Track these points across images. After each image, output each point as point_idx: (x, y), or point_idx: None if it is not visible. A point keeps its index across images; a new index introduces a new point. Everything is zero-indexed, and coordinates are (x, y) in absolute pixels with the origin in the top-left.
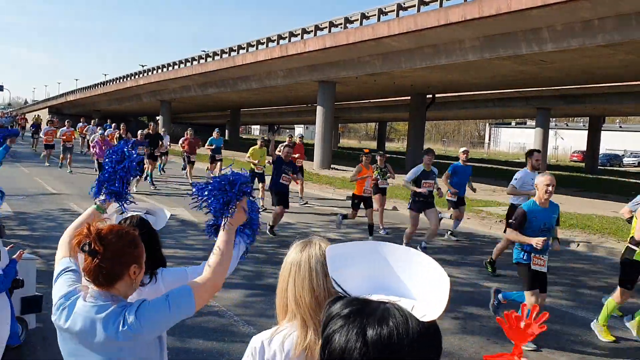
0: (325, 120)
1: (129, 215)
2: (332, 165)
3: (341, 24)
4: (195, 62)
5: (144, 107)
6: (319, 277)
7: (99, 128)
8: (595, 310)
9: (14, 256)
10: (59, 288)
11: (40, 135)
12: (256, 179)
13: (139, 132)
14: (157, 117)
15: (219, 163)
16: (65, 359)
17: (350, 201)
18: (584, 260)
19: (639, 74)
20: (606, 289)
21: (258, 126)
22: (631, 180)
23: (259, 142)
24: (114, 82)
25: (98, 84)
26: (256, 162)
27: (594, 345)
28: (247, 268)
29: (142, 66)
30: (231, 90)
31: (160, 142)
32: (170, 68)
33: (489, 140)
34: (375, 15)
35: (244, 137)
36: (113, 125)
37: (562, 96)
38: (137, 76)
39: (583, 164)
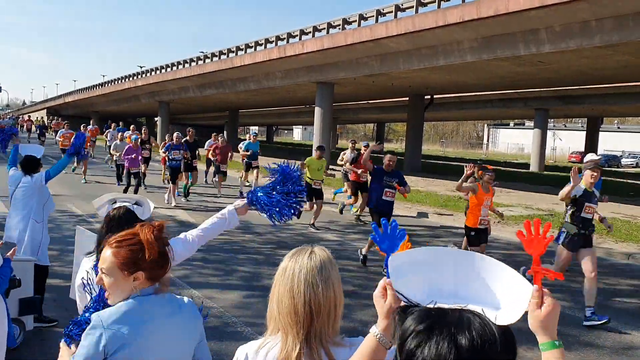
0: (323, 121)
1: (117, 205)
2: (330, 166)
3: (339, 25)
4: (193, 63)
5: (143, 108)
6: (300, 286)
7: (126, 134)
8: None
9: (8, 254)
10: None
11: (57, 138)
12: (313, 197)
13: (175, 134)
14: (156, 118)
15: (255, 171)
16: None
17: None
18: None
19: (636, 75)
20: (605, 289)
21: (256, 127)
22: (629, 180)
23: (316, 152)
24: (113, 83)
25: (96, 85)
26: (304, 170)
27: (594, 346)
28: (245, 269)
29: (141, 67)
30: (230, 91)
31: (197, 152)
32: (169, 69)
33: (487, 141)
34: (373, 16)
35: (242, 138)
36: (131, 127)
37: (560, 97)
38: (135, 77)
39: (581, 165)
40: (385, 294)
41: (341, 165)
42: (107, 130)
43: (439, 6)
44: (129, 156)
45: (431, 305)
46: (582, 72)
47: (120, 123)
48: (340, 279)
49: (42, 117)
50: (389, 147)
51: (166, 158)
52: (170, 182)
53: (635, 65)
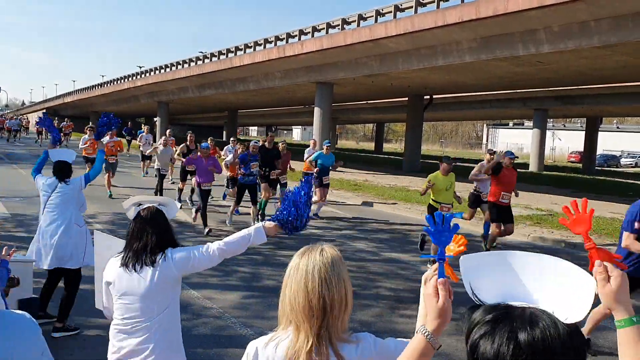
0: (323, 121)
1: (145, 206)
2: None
3: (338, 25)
4: (192, 64)
5: (142, 109)
6: (314, 282)
7: (144, 135)
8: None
9: (2, 254)
10: None
11: (81, 145)
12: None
13: (252, 143)
14: (155, 119)
15: (325, 190)
16: None
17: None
18: (582, 260)
19: (635, 75)
20: None
21: (256, 127)
22: (628, 180)
23: (442, 165)
24: (112, 84)
25: (96, 85)
26: (423, 190)
27: (594, 346)
28: (245, 270)
29: (140, 67)
30: (229, 91)
31: (278, 160)
32: (168, 69)
33: (487, 141)
34: (372, 16)
35: (241, 138)
36: (145, 128)
37: (559, 97)
38: (134, 77)
39: (580, 165)
40: (437, 293)
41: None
42: (140, 134)
43: (438, 6)
44: (196, 167)
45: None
46: (581, 72)
47: (189, 133)
48: (349, 276)
49: (56, 119)
50: (388, 147)
51: (237, 172)
52: (236, 201)
53: (634, 65)
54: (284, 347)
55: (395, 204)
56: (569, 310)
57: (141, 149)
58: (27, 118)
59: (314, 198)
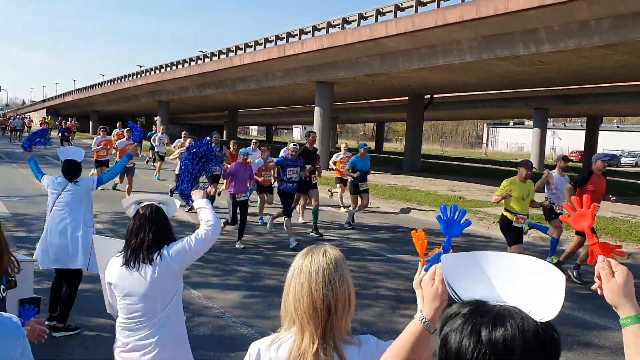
0: (323, 120)
1: (145, 203)
2: (329, 167)
3: (339, 24)
4: (193, 63)
5: (142, 108)
6: (318, 283)
7: (160, 136)
8: (593, 310)
9: None
10: None
11: (94, 147)
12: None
13: (290, 146)
14: (155, 118)
15: (364, 197)
16: None
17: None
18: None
19: (636, 75)
20: None
21: (256, 127)
22: (629, 180)
23: (521, 170)
24: (112, 83)
25: (96, 84)
26: (497, 199)
27: (594, 345)
28: (245, 269)
29: (140, 67)
30: (229, 90)
31: (316, 160)
32: (168, 69)
33: (487, 140)
34: (373, 15)
35: (241, 137)
36: (161, 128)
37: (559, 96)
38: (135, 77)
39: (581, 164)
40: (434, 279)
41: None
42: (154, 135)
43: (438, 6)
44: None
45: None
46: (582, 71)
47: (214, 134)
48: (351, 276)
49: (60, 118)
50: (389, 147)
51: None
52: (284, 213)
53: (635, 64)
54: (286, 349)
55: (406, 209)
56: (544, 308)
57: (156, 150)
58: (30, 117)
59: (350, 208)
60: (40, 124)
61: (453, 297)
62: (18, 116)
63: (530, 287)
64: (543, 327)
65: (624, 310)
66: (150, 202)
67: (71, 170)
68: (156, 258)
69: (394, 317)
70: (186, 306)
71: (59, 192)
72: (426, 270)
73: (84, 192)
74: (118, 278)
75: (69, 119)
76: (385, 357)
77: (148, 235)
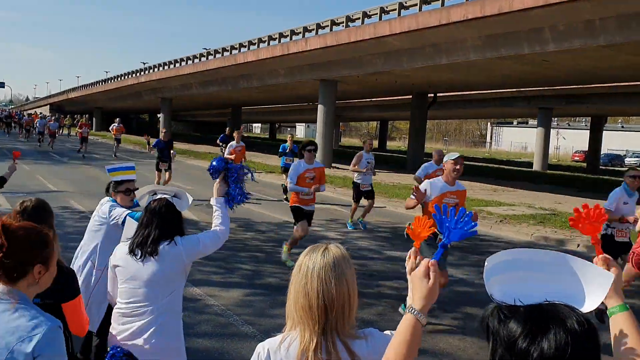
0: (326, 118)
1: (157, 197)
2: (333, 164)
3: (343, 22)
4: (196, 60)
5: (145, 105)
6: (313, 283)
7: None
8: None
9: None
10: None
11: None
12: None
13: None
14: (158, 115)
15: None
16: None
17: None
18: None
19: None
20: None
21: (259, 124)
22: None
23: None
24: (115, 80)
25: (99, 81)
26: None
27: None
28: (247, 267)
29: (144, 64)
30: (232, 88)
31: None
32: (172, 66)
33: (491, 139)
34: (377, 14)
35: (245, 134)
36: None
37: (563, 96)
38: (138, 74)
39: (585, 164)
40: (427, 275)
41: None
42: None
43: (442, 4)
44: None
45: (518, 303)
46: (586, 71)
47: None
48: (354, 275)
49: (79, 116)
50: (392, 145)
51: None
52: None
53: (639, 65)
54: (295, 347)
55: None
56: (581, 300)
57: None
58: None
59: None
60: (80, 126)
61: (493, 299)
62: (52, 117)
63: (568, 282)
64: (588, 317)
65: (612, 301)
66: (163, 196)
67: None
68: (166, 247)
69: (395, 316)
70: (188, 304)
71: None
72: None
73: (108, 224)
74: (124, 261)
75: (84, 117)
76: (387, 354)
77: (155, 230)
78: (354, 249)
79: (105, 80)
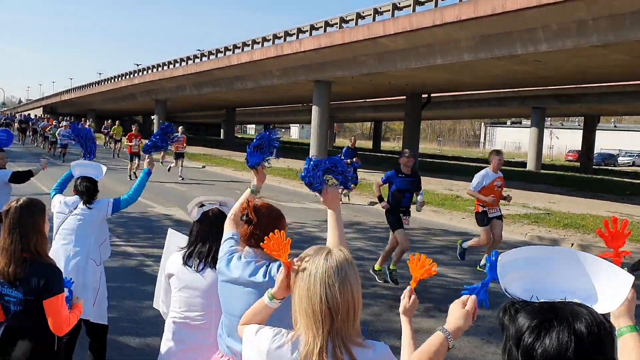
0: (320, 119)
1: (208, 208)
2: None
3: (336, 23)
4: (190, 62)
5: (139, 107)
6: (316, 287)
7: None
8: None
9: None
10: (223, 249)
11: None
12: None
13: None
14: (152, 117)
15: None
16: (221, 299)
17: None
18: None
19: (633, 74)
20: None
21: (254, 125)
22: (626, 179)
23: None
24: (109, 82)
25: (93, 83)
26: None
27: None
28: None
29: (137, 65)
30: (226, 89)
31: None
32: (165, 67)
33: (485, 139)
34: (370, 15)
35: (239, 136)
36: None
37: (557, 96)
38: (131, 75)
39: (578, 164)
40: (465, 304)
41: None
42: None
43: (436, 5)
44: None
45: (534, 300)
46: (579, 71)
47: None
48: (358, 278)
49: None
50: (386, 146)
51: None
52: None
53: (632, 64)
54: (299, 350)
55: None
56: (599, 301)
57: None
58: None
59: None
60: (129, 137)
61: (508, 295)
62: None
63: (584, 281)
64: (605, 316)
65: (622, 321)
66: (213, 206)
67: (87, 189)
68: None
69: (391, 317)
70: None
71: (66, 216)
72: (464, 293)
73: (97, 219)
74: (179, 270)
75: (134, 125)
76: (410, 357)
77: (214, 243)
78: (350, 250)
79: (98, 82)
